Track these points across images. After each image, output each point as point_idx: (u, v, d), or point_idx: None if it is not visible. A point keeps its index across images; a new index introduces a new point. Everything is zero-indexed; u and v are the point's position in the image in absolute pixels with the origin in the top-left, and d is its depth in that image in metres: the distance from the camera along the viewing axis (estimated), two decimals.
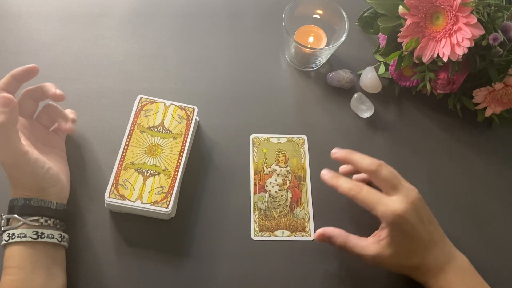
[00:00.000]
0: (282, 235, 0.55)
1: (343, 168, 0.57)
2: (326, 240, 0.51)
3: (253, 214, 0.55)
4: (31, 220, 0.46)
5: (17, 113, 0.45)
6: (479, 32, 0.51)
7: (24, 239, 0.45)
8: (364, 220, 0.56)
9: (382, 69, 0.64)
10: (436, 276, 0.47)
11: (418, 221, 0.47)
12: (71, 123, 0.53)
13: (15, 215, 0.46)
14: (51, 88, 0.51)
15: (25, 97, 0.51)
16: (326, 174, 0.53)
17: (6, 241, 0.46)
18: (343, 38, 0.60)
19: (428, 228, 0.48)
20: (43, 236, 0.46)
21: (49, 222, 0.47)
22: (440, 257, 0.48)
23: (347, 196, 0.50)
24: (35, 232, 0.46)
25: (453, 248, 0.49)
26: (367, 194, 0.48)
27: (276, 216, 0.56)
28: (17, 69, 0.49)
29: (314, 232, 0.55)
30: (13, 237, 0.45)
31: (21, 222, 0.46)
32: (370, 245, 0.48)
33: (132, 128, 0.54)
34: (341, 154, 0.53)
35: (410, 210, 0.47)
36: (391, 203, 0.47)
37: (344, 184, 0.50)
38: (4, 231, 0.46)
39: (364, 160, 0.51)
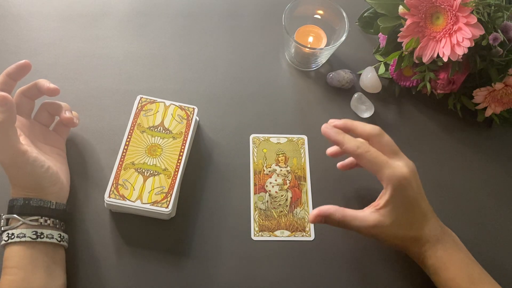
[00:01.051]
0: (282, 235, 0.55)
1: (331, 150, 0.55)
2: (323, 220, 0.48)
3: (253, 214, 0.55)
4: (30, 220, 0.46)
5: (14, 112, 0.45)
6: (479, 32, 0.51)
7: (23, 239, 0.45)
8: None
9: (382, 69, 0.64)
10: (434, 246, 0.46)
11: (418, 189, 0.47)
12: (71, 113, 0.54)
13: (15, 215, 0.46)
14: (45, 83, 0.51)
15: (20, 96, 0.51)
16: (329, 128, 0.49)
17: (5, 241, 0.46)
18: (343, 38, 0.60)
19: (425, 198, 0.48)
20: (42, 236, 0.46)
21: (48, 222, 0.47)
22: (437, 228, 0.47)
23: (352, 154, 0.48)
24: (34, 232, 0.46)
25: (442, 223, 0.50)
26: (375, 155, 0.46)
27: (276, 216, 0.56)
28: (10, 67, 0.49)
29: (314, 232, 0.55)
30: (13, 237, 0.45)
31: (21, 222, 0.46)
32: (369, 215, 0.47)
33: (132, 128, 0.54)
34: (341, 122, 0.51)
35: (413, 176, 0.47)
36: (397, 166, 0.46)
37: (352, 142, 0.47)
38: (4, 231, 0.46)
39: (366, 126, 0.49)
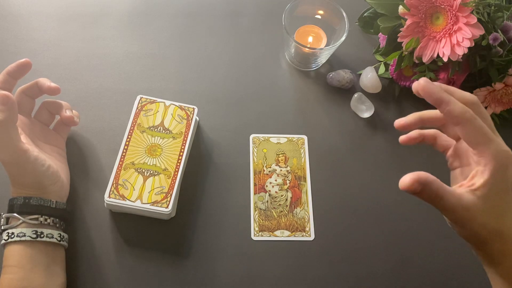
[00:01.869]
0: (282, 235, 0.55)
1: (407, 120, 0.47)
2: (419, 187, 0.37)
3: (253, 214, 0.55)
4: (30, 219, 0.46)
5: (16, 111, 0.45)
6: (479, 32, 0.51)
7: (23, 238, 0.45)
8: (364, 219, 0.56)
9: (382, 69, 0.64)
10: None
11: None
12: (72, 112, 0.54)
13: (15, 214, 0.46)
14: (46, 82, 0.51)
15: (21, 95, 0.51)
16: (430, 83, 0.38)
17: (5, 240, 0.46)
18: (343, 38, 0.60)
19: None
20: (42, 235, 0.46)
21: (48, 221, 0.47)
22: None
23: (456, 119, 0.37)
24: (34, 232, 0.46)
25: None
26: (482, 124, 0.38)
27: (276, 216, 0.56)
28: (10, 65, 0.49)
29: (314, 232, 0.55)
30: (13, 236, 0.45)
31: (21, 221, 0.46)
32: (465, 194, 0.38)
33: (132, 128, 0.54)
34: (436, 83, 0.39)
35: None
36: (502, 142, 0.39)
37: (459, 103, 0.37)
38: (4, 230, 0.46)
39: (464, 92, 0.40)
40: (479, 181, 0.38)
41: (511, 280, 0.39)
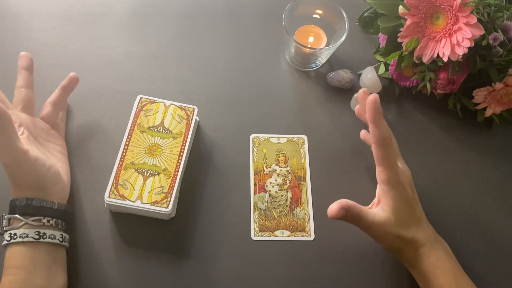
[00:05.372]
0: (282, 235, 0.55)
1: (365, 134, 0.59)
2: (344, 213, 0.45)
3: (253, 214, 0.55)
4: (32, 220, 0.46)
5: (11, 119, 0.43)
6: (479, 32, 0.51)
7: (26, 239, 0.45)
8: None
9: (382, 69, 0.64)
10: (429, 251, 0.47)
11: (413, 195, 0.50)
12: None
13: (17, 215, 0.46)
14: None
15: (27, 92, 0.53)
16: (377, 101, 0.45)
17: (8, 241, 0.46)
18: (343, 38, 0.60)
19: (420, 205, 0.50)
20: (45, 236, 0.46)
21: (51, 222, 0.47)
22: (430, 235, 0.48)
23: (379, 141, 0.46)
24: (37, 233, 0.46)
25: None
26: (394, 152, 0.48)
27: (276, 216, 0.56)
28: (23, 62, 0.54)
29: (314, 232, 0.55)
30: (15, 237, 0.45)
31: (23, 222, 0.46)
32: (378, 211, 0.47)
33: (132, 128, 0.54)
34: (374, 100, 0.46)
35: (411, 181, 0.51)
36: (403, 168, 0.49)
37: (384, 129, 0.46)
38: (6, 231, 0.46)
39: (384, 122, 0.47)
40: (386, 200, 0.47)
41: (428, 278, 0.47)
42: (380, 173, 0.47)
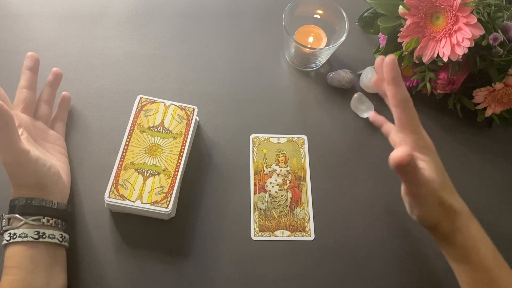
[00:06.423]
0: (282, 235, 0.55)
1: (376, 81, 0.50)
2: (408, 160, 0.39)
3: (253, 214, 0.55)
4: (32, 220, 0.46)
5: (13, 120, 0.44)
6: (479, 32, 0.51)
7: (25, 239, 0.45)
8: (364, 219, 0.56)
9: None
10: (467, 224, 0.44)
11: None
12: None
13: (17, 215, 0.46)
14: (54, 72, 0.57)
15: (28, 92, 0.53)
16: (395, 62, 0.43)
17: (7, 240, 0.46)
18: (343, 38, 0.60)
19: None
20: (44, 236, 0.46)
21: (50, 222, 0.47)
22: (465, 206, 0.45)
23: (397, 101, 0.44)
24: (36, 232, 0.46)
25: None
26: (416, 114, 0.45)
27: (276, 216, 0.56)
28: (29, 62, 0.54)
29: (314, 232, 0.55)
30: (15, 237, 0.45)
31: (23, 222, 0.46)
32: (424, 170, 0.44)
33: (132, 128, 0.54)
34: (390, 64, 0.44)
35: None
36: (425, 133, 0.46)
37: (405, 91, 0.44)
38: (5, 230, 0.46)
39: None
40: (423, 164, 0.44)
41: (468, 252, 0.43)
42: (405, 140, 0.44)
